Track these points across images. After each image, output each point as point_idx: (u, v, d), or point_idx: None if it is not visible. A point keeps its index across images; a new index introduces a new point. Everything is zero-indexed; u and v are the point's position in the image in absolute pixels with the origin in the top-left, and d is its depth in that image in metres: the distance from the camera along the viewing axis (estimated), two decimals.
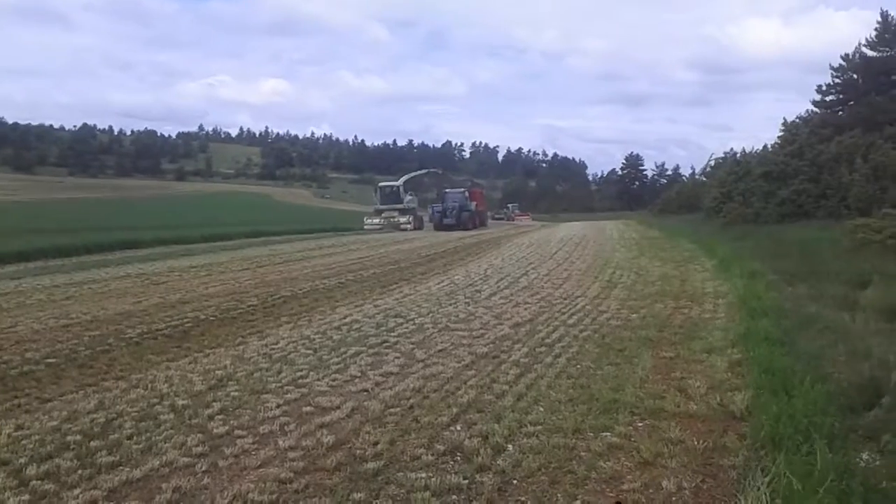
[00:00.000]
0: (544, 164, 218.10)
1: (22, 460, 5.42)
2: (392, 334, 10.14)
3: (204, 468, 5.23)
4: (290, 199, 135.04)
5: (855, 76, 39.57)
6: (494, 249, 27.89)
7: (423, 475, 4.98)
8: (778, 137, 42.33)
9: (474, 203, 54.16)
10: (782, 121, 42.63)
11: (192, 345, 9.84)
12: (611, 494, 4.65)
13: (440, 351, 9.03)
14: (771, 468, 4.63)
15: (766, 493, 4.31)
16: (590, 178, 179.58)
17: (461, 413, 6.39)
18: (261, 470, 5.17)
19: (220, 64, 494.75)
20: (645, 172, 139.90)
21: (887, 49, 37.97)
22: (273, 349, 9.33)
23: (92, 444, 5.77)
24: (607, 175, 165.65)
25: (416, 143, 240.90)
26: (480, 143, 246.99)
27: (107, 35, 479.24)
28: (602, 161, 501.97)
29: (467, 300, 13.44)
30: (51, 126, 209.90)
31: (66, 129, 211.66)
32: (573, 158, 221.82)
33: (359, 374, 7.89)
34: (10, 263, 22.21)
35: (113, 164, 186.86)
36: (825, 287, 12.32)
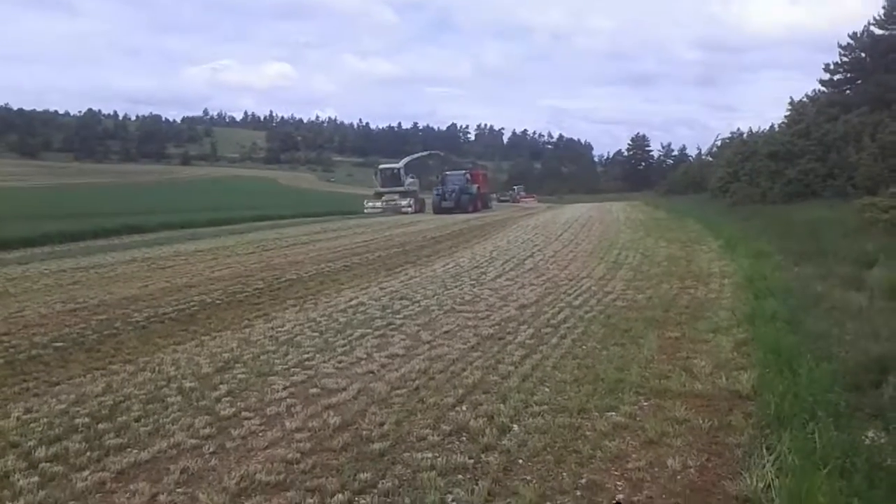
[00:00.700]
0: (550, 146, 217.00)
1: (31, 443, 5.46)
2: (398, 316, 10.16)
3: (211, 449, 5.27)
4: (296, 182, 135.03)
5: (863, 55, 39.22)
6: (500, 231, 27.86)
7: (429, 455, 5.00)
8: (785, 117, 42.14)
9: (475, 186, 53.37)
10: (789, 100, 42.43)
11: (198, 328, 9.88)
12: (616, 473, 4.67)
13: (446, 333, 9.05)
14: (776, 446, 4.64)
15: (771, 471, 4.32)
16: (596, 159, 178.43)
17: (467, 394, 6.41)
18: (268, 451, 5.20)
19: (225, 48, 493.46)
20: (651, 153, 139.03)
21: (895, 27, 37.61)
22: (279, 332, 9.36)
23: (100, 426, 5.82)
24: (613, 156, 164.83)
25: (421, 125, 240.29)
26: (486, 125, 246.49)
27: (111, 20, 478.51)
28: (608, 142, 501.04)
29: (473, 282, 13.45)
30: (56, 112, 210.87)
31: (72, 114, 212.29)
32: (579, 140, 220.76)
33: (365, 356, 7.92)
34: (17, 249, 22.26)
35: (118, 150, 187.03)
36: (832, 266, 12.28)
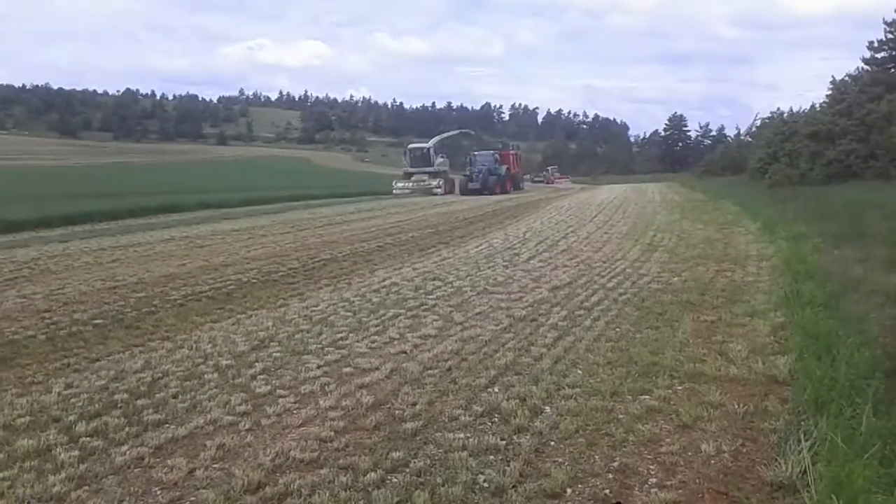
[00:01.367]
0: (585, 126, 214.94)
1: (72, 418, 5.59)
2: (430, 297, 10.19)
3: (247, 426, 5.34)
4: (330, 162, 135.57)
5: None
6: (533, 212, 27.75)
7: (461, 436, 5.02)
8: (826, 96, 41.05)
9: (504, 166, 51.52)
10: (830, 79, 41.28)
11: (234, 306, 10.01)
12: (649, 457, 4.64)
13: (478, 314, 9.05)
14: (813, 432, 4.58)
15: (807, 457, 4.26)
16: (631, 139, 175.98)
17: (499, 375, 6.41)
18: (302, 429, 5.27)
19: (260, 27, 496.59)
20: (688, 133, 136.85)
21: None
22: (313, 311, 9.45)
23: (139, 402, 5.94)
24: (650, 136, 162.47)
25: (454, 105, 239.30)
26: (520, 104, 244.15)
27: None
28: (644, 122, 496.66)
29: (505, 263, 13.42)
30: (94, 91, 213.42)
31: (110, 94, 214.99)
32: (614, 119, 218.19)
33: (397, 337, 7.96)
34: (58, 227, 22.77)
35: (156, 129, 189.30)
36: (872, 249, 12.02)
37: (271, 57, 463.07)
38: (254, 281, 12.02)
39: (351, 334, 8.12)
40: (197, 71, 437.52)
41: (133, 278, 12.31)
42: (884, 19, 39.00)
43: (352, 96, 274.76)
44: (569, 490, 4.25)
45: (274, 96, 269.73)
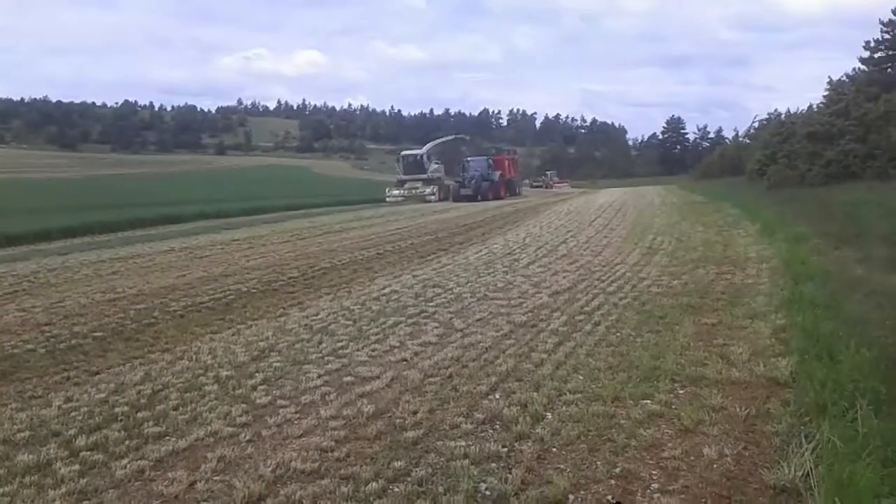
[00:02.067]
0: (583, 130, 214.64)
1: (72, 431, 5.58)
2: (430, 304, 10.18)
3: (248, 437, 5.33)
4: (329, 171, 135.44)
5: None
6: (533, 218, 27.75)
7: (463, 443, 5.01)
8: (823, 97, 41.17)
9: (498, 172, 50.21)
10: (828, 80, 41.39)
11: (234, 317, 10.00)
12: (651, 462, 4.63)
13: (479, 320, 9.04)
14: (815, 435, 4.57)
15: (809, 460, 4.25)
16: (630, 142, 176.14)
17: (500, 382, 6.40)
18: (303, 439, 5.25)
19: (257, 37, 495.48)
20: (686, 136, 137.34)
21: None
22: (314, 320, 9.44)
23: (139, 415, 5.93)
24: (648, 139, 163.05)
25: (452, 111, 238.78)
26: (518, 110, 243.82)
27: (144, 11, 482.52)
28: (642, 125, 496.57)
29: (505, 269, 13.41)
30: (93, 103, 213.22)
31: (108, 105, 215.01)
32: (612, 123, 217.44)
33: (398, 345, 7.94)
34: (58, 239, 22.80)
35: (154, 140, 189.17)
36: (872, 250, 12.02)
37: (268, 66, 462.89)
38: (254, 291, 12.01)
39: (351, 343, 8.10)
40: (194, 82, 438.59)
41: (133, 290, 12.30)
42: (880, 19, 39.16)
43: (350, 104, 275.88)
44: (571, 496, 4.24)
45: (272, 106, 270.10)
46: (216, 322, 9.71)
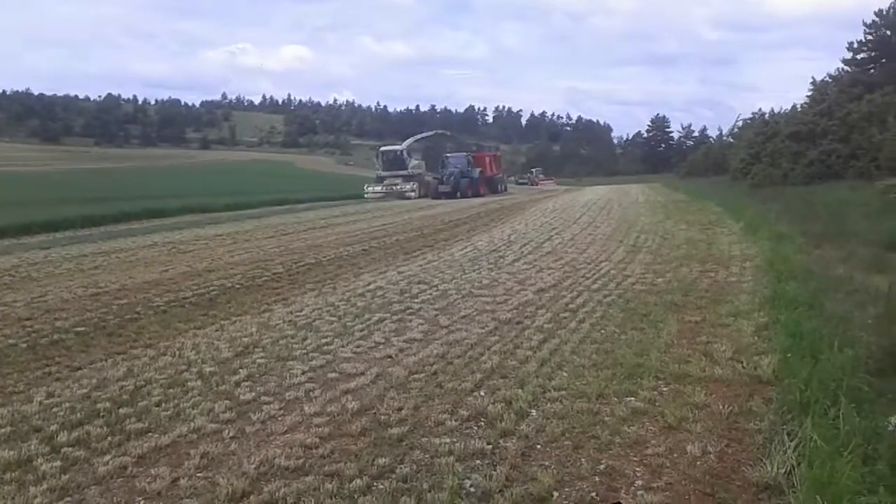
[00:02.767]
0: (568, 128, 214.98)
1: (53, 427, 5.53)
2: (415, 301, 10.16)
3: (231, 434, 5.30)
4: (314, 166, 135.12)
5: (888, 32, 38.55)
6: (518, 215, 27.78)
7: (448, 440, 5.00)
8: (807, 97, 41.59)
9: (478, 169, 49.29)
10: (811, 80, 41.81)
11: (218, 312, 9.94)
12: (635, 459, 4.64)
13: (463, 317, 9.04)
14: (797, 432, 4.60)
15: (792, 457, 4.28)
16: (615, 141, 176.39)
17: (485, 379, 6.40)
18: (287, 435, 5.23)
19: (242, 31, 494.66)
20: (671, 134, 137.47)
21: None
22: (298, 316, 9.40)
23: (121, 411, 5.88)
24: (633, 138, 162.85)
25: (438, 108, 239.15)
26: (504, 107, 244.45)
27: (127, 4, 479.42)
28: (627, 124, 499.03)
29: (490, 266, 13.42)
30: (76, 97, 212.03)
31: (91, 99, 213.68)
32: (598, 121, 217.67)
33: (383, 341, 7.93)
34: (39, 233, 22.57)
35: (138, 134, 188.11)
36: (854, 249, 12.15)
37: (254, 61, 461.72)
38: (238, 286, 11.95)
39: (336, 339, 8.07)
40: (179, 75, 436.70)
41: (115, 285, 12.20)
42: (864, 20, 39.56)
43: (335, 100, 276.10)
44: (556, 493, 4.24)
45: (257, 100, 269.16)
46: (199, 318, 9.64)
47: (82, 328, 9.07)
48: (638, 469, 4.51)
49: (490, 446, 4.89)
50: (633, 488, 4.27)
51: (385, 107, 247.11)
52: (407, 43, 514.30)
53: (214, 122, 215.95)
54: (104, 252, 17.30)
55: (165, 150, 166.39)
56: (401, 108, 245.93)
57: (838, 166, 31.55)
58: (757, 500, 4.08)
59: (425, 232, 21.16)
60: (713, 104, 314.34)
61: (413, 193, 45.61)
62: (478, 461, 4.68)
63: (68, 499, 4.39)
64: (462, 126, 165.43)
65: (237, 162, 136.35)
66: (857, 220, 15.71)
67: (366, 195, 46.45)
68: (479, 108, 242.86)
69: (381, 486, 4.38)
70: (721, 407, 5.44)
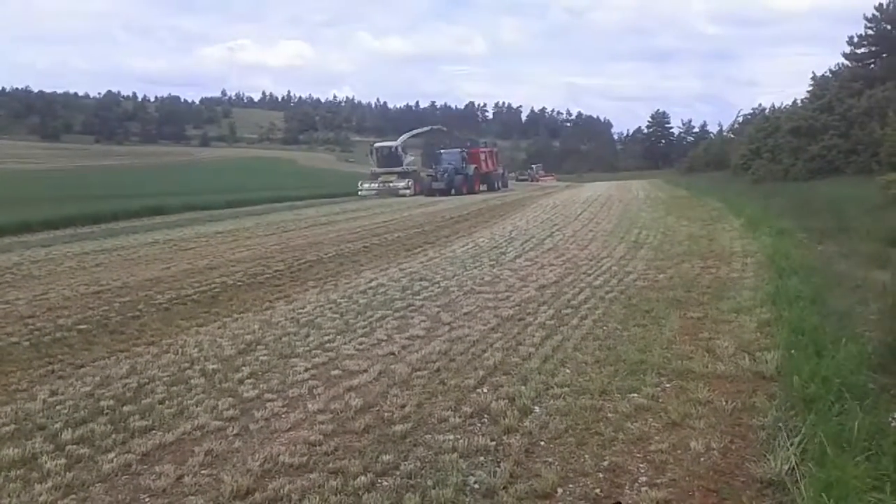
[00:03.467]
0: (568, 124, 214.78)
1: (57, 425, 5.53)
2: (418, 298, 10.17)
3: (235, 431, 5.31)
4: (314, 163, 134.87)
5: (888, 27, 38.48)
6: (519, 211, 27.78)
7: (451, 437, 5.01)
8: (807, 92, 41.53)
9: (473, 165, 47.87)
10: (811, 75, 41.74)
11: (220, 310, 9.95)
12: (638, 455, 4.65)
13: (466, 314, 9.04)
14: (801, 428, 4.60)
15: (795, 454, 4.28)
16: (615, 136, 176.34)
17: (487, 375, 6.41)
18: (291, 433, 5.24)
19: (240, 28, 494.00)
20: (671, 130, 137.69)
21: None
22: (300, 313, 9.40)
23: (125, 408, 5.89)
24: (633, 133, 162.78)
25: (438, 104, 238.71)
26: (503, 103, 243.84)
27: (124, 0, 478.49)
28: (627, 119, 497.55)
29: (492, 263, 13.42)
30: (75, 94, 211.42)
31: (91, 96, 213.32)
32: (597, 117, 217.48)
33: (385, 338, 7.93)
34: (40, 231, 22.57)
35: (138, 131, 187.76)
36: (856, 245, 12.13)
37: (253, 58, 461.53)
38: (239, 284, 11.95)
39: (338, 336, 8.08)
40: (178, 72, 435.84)
41: (117, 282, 12.21)
42: (864, 15, 39.45)
43: (335, 96, 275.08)
44: (559, 490, 4.25)
45: (257, 97, 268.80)
46: (202, 315, 9.65)
47: (85, 326, 9.08)
48: (641, 465, 4.52)
49: (493, 443, 4.90)
50: (636, 485, 4.27)
51: (385, 103, 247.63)
52: (405, 38, 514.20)
53: (214, 118, 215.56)
54: (105, 250, 17.31)
55: (166, 148, 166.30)
56: (401, 104, 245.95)
57: (839, 162, 31.53)
58: (761, 497, 4.08)
59: (426, 229, 21.16)
60: (713, 99, 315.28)
61: (408, 191, 44.60)
62: (481, 458, 4.68)
63: (73, 496, 4.40)
64: (462, 122, 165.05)
65: (237, 159, 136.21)
66: (859, 216, 15.68)
67: (360, 192, 45.51)
68: (479, 104, 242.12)
69: (386, 483, 4.39)
70: (724, 403, 5.45)
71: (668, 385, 6.00)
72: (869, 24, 39.41)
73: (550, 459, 4.65)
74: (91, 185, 51.25)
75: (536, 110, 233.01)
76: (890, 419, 4.63)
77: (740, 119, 68.52)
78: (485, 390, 6.02)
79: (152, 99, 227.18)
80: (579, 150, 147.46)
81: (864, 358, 5.86)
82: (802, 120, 34.96)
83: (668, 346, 7.15)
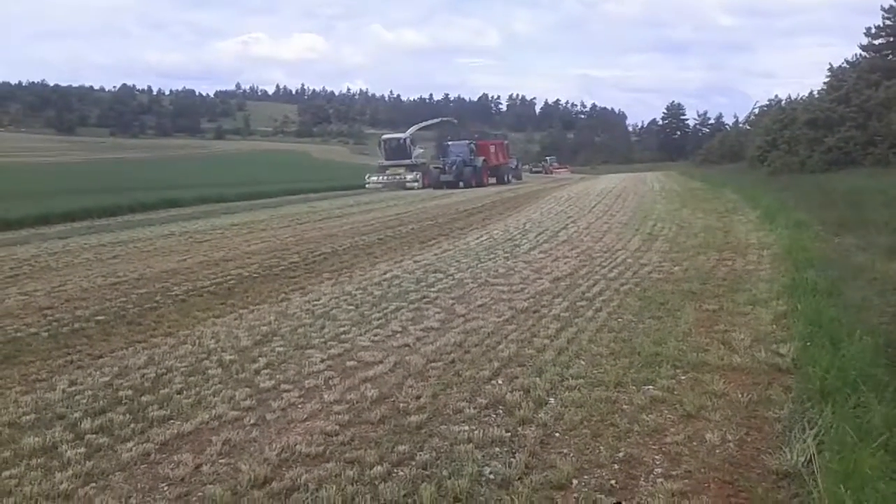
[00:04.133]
0: (582, 116, 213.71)
1: (77, 415, 5.60)
2: (432, 289, 10.19)
3: (252, 421, 5.35)
4: (328, 155, 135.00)
5: None
6: (533, 203, 27.73)
7: (466, 428, 5.03)
8: (824, 83, 41.03)
9: (482, 158, 46.78)
10: (828, 66, 41.24)
11: (236, 301, 10.01)
12: (654, 447, 4.65)
13: (480, 306, 9.05)
14: (817, 420, 4.59)
15: (812, 446, 4.27)
16: (629, 128, 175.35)
17: (502, 367, 6.42)
18: (307, 423, 5.27)
19: (254, 21, 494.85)
20: (686, 122, 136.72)
21: None
22: (315, 305, 9.45)
23: (143, 398, 5.94)
24: (648, 125, 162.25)
25: (452, 96, 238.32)
26: (517, 95, 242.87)
27: None
28: (642, 111, 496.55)
29: (506, 255, 13.42)
30: (91, 87, 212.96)
31: (106, 89, 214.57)
32: (612, 109, 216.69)
33: (400, 330, 7.96)
34: (57, 224, 22.75)
35: (153, 125, 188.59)
36: (873, 237, 12.04)
37: (266, 51, 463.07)
38: (255, 275, 12.02)
39: (353, 328, 8.11)
40: (192, 66, 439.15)
41: (134, 274, 12.31)
42: (881, 5, 38.92)
43: (349, 89, 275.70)
44: (575, 481, 4.26)
45: (270, 90, 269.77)
46: (218, 306, 9.71)
47: (102, 317, 9.16)
48: (657, 457, 4.52)
49: (509, 434, 4.91)
50: (652, 476, 4.28)
51: (398, 95, 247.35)
52: (419, 31, 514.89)
53: (229, 112, 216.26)
54: (122, 242, 17.44)
55: (180, 141, 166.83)
56: (414, 96, 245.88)
57: (856, 153, 31.22)
58: (777, 488, 4.08)
59: (440, 221, 21.17)
60: (728, 91, 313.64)
61: (416, 184, 43.82)
62: (497, 449, 4.70)
63: (93, 485, 4.45)
64: (476, 114, 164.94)
65: (252, 152, 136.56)
66: (876, 208, 15.55)
67: (367, 185, 44.93)
68: (492, 97, 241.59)
69: (402, 473, 4.41)
70: (740, 395, 5.44)
71: (683, 377, 6.00)
72: (887, 15, 38.91)
73: (565, 451, 4.66)
74: (107, 178, 51.48)
75: (550, 102, 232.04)
76: None
77: (756, 110, 68.19)
78: (500, 382, 6.04)
79: (167, 92, 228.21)
80: (593, 141, 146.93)
81: (881, 350, 5.84)
82: (819, 111, 34.63)
83: (684, 338, 7.13)
